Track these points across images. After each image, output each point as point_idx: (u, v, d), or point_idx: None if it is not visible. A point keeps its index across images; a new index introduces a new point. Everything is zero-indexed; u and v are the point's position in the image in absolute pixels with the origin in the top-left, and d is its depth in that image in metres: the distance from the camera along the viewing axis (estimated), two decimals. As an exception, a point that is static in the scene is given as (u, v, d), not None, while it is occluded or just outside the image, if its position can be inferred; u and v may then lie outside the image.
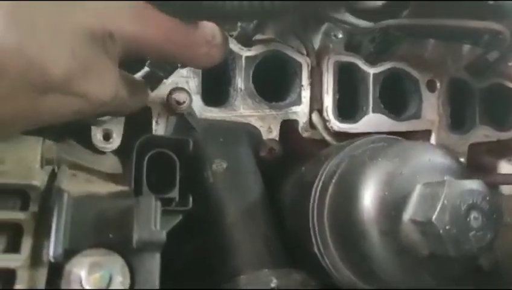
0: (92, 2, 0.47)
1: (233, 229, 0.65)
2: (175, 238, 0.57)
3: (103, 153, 0.67)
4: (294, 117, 0.77)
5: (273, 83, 0.79)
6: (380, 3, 0.71)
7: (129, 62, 0.54)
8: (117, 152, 0.67)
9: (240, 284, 0.61)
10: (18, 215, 0.51)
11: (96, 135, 0.67)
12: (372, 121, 0.79)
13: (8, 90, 0.44)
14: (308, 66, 0.78)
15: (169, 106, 0.69)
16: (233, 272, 0.62)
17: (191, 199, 0.62)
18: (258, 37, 0.77)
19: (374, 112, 0.79)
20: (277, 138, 0.76)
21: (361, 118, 0.79)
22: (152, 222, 0.51)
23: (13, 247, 0.50)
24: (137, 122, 0.68)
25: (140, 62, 0.61)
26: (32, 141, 0.53)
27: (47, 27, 0.45)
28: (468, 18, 0.73)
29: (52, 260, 0.48)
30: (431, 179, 0.56)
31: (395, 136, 0.69)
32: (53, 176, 0.54)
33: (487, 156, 0.86)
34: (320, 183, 0.64)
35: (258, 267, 0.61)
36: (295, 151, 0.78)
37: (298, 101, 0.78)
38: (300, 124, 0.78)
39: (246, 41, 0.76)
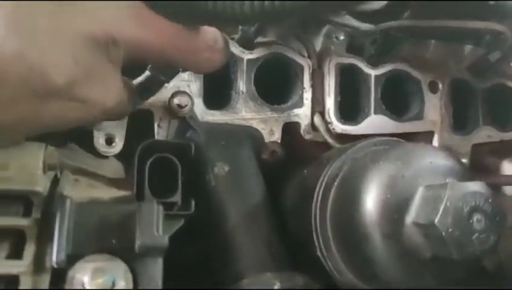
0: (94, 7, 0.47)
1: (236, 232, 0.65)
2: (177, 241, 0.57)
3: (105, 157, 0.67)
4: (296, 119, 0.77)
5: (274, 85, 0.79)
6: (382, 3, 0.71)
7: (128, 67, 0.54)
8: (119, 156, 0.67)
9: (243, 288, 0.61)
10: (21, 222, 0.51)
11: (99, 139, 0.67)
12: (374, 122, 0.79)
13: (9, 96, 0.44)
14: (309, 68, 0.78)
15: (171, 110, 0.70)
16: (236, 275, 0.62)
17: (193, 203, 0.62)
18: (260, 39, 0.77)
19: (375, 113, 0.79)
20: (279, 141, 0.76)
21: (363, 120, 0.79)
22: (154, 227, 0.51)
23: (16, 253, 0.50)
24: (139, 127, 0.69)
25: (139, 67, 0.61)
26: (35, 147, 0.53)
27: (48, 33, 0.45)
28: (469, 19, 0.73)
29: (55, 265, 0.49)
30: (433, 182, 0.55)
31: (397, 139, 0.69)
32: (55, 181, 0.55)
33: (490, 156, 0.85)
34: (323, 186, 0.64)
35: (260, 271, 0.61)
36: (297, 153, 0.78)
37: (300, 104, 0.78)
38: (302, 127, 0.78)
39: (247, 44, 0.76)
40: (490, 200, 0.53)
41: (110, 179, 0.62)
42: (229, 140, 0.72)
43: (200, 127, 0.71)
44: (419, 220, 0.54)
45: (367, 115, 0.79)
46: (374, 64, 0.80)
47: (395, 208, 0.55)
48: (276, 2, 0.46)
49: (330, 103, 0.78)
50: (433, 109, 0.82)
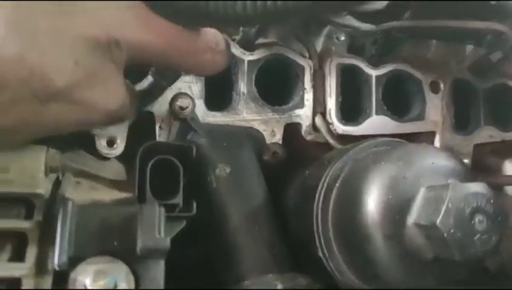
0: (95, 8, 0.47)
1: (237, 234, 0.65)
2: (178, 243, 0.57)
3: (107, 159, 0.67)
4: (297, 120, 0.77)
5: (275, 86, 0.79)
6: (383, 4, 0.71)
7: (131, 72, 0.54)
8: (121, 158, 0.67)
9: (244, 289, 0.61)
10: (23, 224, 0.51)
11: (100, 141, 0.67)
12: (376, 123, 0.79)
13: (10, 98, 0.43)
14: (310, 69, 0.78)
15: (173, 111, 0.70)
16: (238, 277, 0.62)
17: (194, 204, 0.62)
18: (260, 41, 0.78)
19: (377, 114, 0.79)
20: (280, 142, 0.76)
21: (364, 121, 0.79)
22: (156, 229, 0.51)
23: (18, 255, 0.50)
24: (140, 128, 0.69)
25: (141, 73, 0.61)
26: (37, 149, 0.53)
27: (49, 34, 0.44)
28: (470, 19, 0.73)
29: (57, 268, 0.49)
30: (435, 182, 0.55)
31: (398, 139, 0.69)
32: (57, 184, 0.55)
33: (492, 156, 0.85)
34: (324, 187, 0.64)
35: (262, 272, 0.62)
36: (299, 154, 0.78)
37: (301, 104, 0.77)
38: (304, 127, 0.78)
39: (248, 45, 0.76)
40: (492, 201, 0.53)
41: (112, 181, 0.62)
42: (231, 141, 0.72)
43: (201, 129, 0.71)
44: (421, 221, 0.54)
45: (368, 116, 0.79)
46: (375, 65, 0.80)
47: (396, 209, 0.55)
48: (279, 2, 0.46)
49: (331, 103, 0.77)
50: (435, 109, 0.82)
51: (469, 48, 0.85)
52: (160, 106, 0.70)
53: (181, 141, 0.70)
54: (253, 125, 0.75)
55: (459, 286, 0.59)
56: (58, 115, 0.48)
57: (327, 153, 0.72)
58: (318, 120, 0.77)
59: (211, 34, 0.54)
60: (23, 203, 0.52)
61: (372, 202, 0.57)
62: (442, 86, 0.83)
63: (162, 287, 0.52)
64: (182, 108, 0.69)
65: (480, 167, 0.84)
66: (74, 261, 0.49)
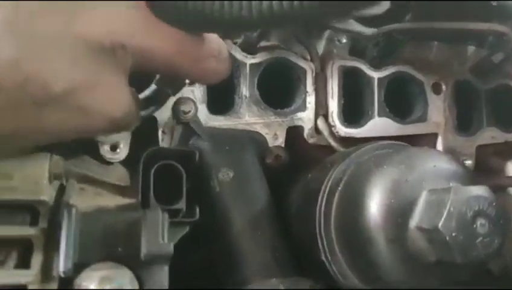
0: (99, 11, 0.45)
1: (240, 238, 0.65)
2: (182, 248, 0.58)
3: (111, 163, 0.67)
4: (299, 123, 0.77)
5: (277, 89, 0.79)
6: (384, 8, 0.71)
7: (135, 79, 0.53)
8: (124, 162, 0.68)
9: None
10: (28, 231, 0.51)
11: (104, 146, 0.67)
12: (378, 125, 0.79)
13: (6, 103, 0.42)
14: (312, 71, 0.78)
15: (175, 116, 0.70)
16: (241, 281, 0.62)
17: (198, 209, 0.62)
18: (262, 44, 0.78)
19: (379, 116, 0.79)
20: (283, 145, 0.76)
21: (366, 123, 0.79)
22: (160, 235, 0.51)
23: (23, 262, 0.51)
24: (143, 133, 0.69)
25: (146, 81, 0.61)
26: (40, 156, 0.53)
27: (47, 38, 0.43)
28: (472, 20, 0.73)
29: (62, 274, 0.49)
30: (437, 186, 0.56)
31: (400, 142, 0.69)
32: (61, 190, 0.55)
33: (495, 157, 0.85)
34: (327, 191, 0.64)
35: (265, 276, 0.62)
36: (301, 157, 0.79)
37: (303, 107, 0.78)
38: (306, 130, 0.78)
39: (250, 48, 0.76)
40: (494, 204, 0.53)
41: (116, 186, 0.62)
42: (233, 145, 0.72)
43: (204, 133, 0.71)
44: (423, 225, 0.54)
45: (370, 118, 0.79)
46: (376, 67, 0.80)
47: (399, 212, 0.56)
48: (285, 2, 0.45)
49: (333, 106, 0.78)
50: (437, 110, 0.82)
51: (471, 49, 0.85)
52: (163, 111, 0.70)
53: (184, 145, 0.70)
54: (255, 128, 0.75)
55: (461, 287, 0.59)
56: (59, 121, 0.46)
57: (329, 156, 0.72)
58: (320, 123, 0.77)
59: (215, 42, 0.53)
60: (28, 210, 0.52)
61: (375, 205, 0.57)
62: (444, 87, 0.83)
63: (166, 292, 0.52)
64: (184, 112, 0.69)
65: (483, 168, 0.83)
66: (79, 267, 0.50)
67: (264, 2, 0.46)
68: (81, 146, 0.65)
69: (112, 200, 0.58)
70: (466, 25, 0.74)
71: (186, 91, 0.72)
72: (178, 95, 0.70)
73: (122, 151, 0.67)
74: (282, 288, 0.60)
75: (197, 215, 0.62)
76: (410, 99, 0.84)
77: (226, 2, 0.46)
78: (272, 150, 0.76)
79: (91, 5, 0.45)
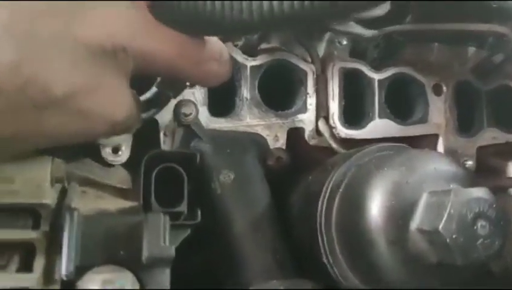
0: (101, 14, 0.45)
1: (241, 240, 0.65)
2: (183, 250, 0.58)
3: (112, 166, 0.68)
4: (300, 125, 0.77)
5: (278, 91, 0.79)
6: (385, 9, 0.71)
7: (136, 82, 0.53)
8: (126, 165, 0.68)
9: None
10: (30, 235, 0.52)
11: (105, 148, 0.67)
12: (379, 126, 0.79)
13: (6, 107, 0.42)
14: (313, 73, 0.78)
15: (176, 118, 0.70)
16: (242, 283, 0.62)
17: (199, 212, 0.63)
18: (263, 46, 0.78)
19: (380, 117, 0.79)
20: (284, 147, 0.76)
21: (367, 124, 0.79)
22: (161, 238, 0.52)
23: (26, 266, 0.51)
24: (145, 135, 0.69)
25: (146, 83, 0.61)
26: (42, 160, 0.54)
27: (47, 41, 0.42)
28: (472, 21, 0.73)
29: (64, 277, 0.50)
30: (437, 188, 0.56)
31: (401, 144, 0.69)
32: (63, 193, 0.55)
33: (496, 158, 0.85)
34: (327, 193, 0.64)
35: (266, 278, 0.62)
36: (302, 159, 0.79)
37: (304, 109, 0.78)
38: (307, 132, 0.78)
39: (251, 51, 0.76)
40: (494, 206, 0.53)
41: (117, 189, 0.63)
42: (234, 147, 0.72)
43: (205, 135, 0.71)
44: (424, 227, 0.54)
45: (371, 119, 0.79)
46: (377, 68, 0.80)
47: (399, 214, 0.56)
48: (285, 4, 0.45)
49: (334, 107, 0.78)
50: (438, 111, 0.82)
51: (471, 50, 0.85)
52: (164, 113, 0.70)
53: (185, 148, 0.70)
54: (256, 130, 0.75)
55: (462, 286, 0.59)
56: (59, 125, 0.46)
57: (330, 158, 0.72)
58: (321, 124, 0.77)
59: (215, 44, 0.53)
60: (30, 213, 0.53)
61: (375, 207, 0.57)
62: (444, 88, 0.83)
63: (168, 294, 0.52)
64: (185, 115, 0.70)
65: (484, 169, 0.83)
66: (81, 270, 0.50)
67: (264, 4, 0.46)
68: (83, 149, 0.65)
69: (114, 203, 0.58)
70: (466, 26, 0.74)
71: (187, 94, 0.72)
72: (179, 98, 0.70)
73: (124, 154, 0.67)
74: (283, 289, 0.61)
75: (199, 218, 0.63)
76: (410, 100, 0.84)
77: (226, 5, 0.46)
78: (273, 152, 0.76)
79: (92, 7, 0.45)
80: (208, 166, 0.70)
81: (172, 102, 0.69)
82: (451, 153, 0.80)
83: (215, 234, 0.67)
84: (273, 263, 0.64)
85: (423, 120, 0.82)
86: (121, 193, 0.62)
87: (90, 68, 0.45)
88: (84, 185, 0.60)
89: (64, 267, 0.49)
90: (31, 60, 0.42)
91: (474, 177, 0.64)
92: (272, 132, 0.76)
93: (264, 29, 0.66)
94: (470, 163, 0.82)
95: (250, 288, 0.61)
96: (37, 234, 0.52)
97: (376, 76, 0.80)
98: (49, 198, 0.53)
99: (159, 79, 0.61)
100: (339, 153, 0.76)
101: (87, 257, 0.51)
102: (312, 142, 0.78)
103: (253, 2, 0.46)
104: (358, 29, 0.72)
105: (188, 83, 0.62)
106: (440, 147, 0.82)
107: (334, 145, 0.77)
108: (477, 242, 0.52)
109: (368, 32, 0.72)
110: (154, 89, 0.60)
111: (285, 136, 0.77)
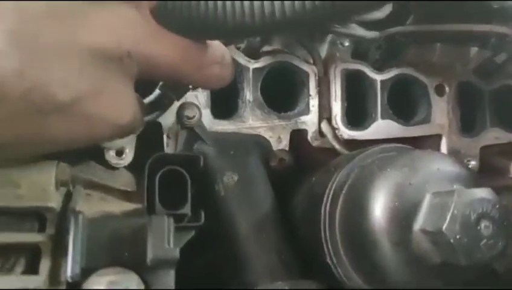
0: (105, 19, 0.45)
1: (246, 241, 0.65)
2: (187, 252, 0.58)
3: (116, 169, 0.68)
4: (303, 126, 0.78)
5: (281, 93, 0.79)
6: (386, 11, 0.71)
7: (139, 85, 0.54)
8: (130, 167, 0.68)
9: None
10: (36, 238, 0.52)
11: (109, 151, 0.68)
12: (382, 127, 0.79)
13: (11, 113, 0.42)
14: (315, 75, 0.78)
15: (180, 121, 0.70)
16: (247, 284, 0.63)
17: (203, 214, 0.63)
18: (265, 48, 0.78)
19: (383, 118, 0.79)
20: (287, 148, 0.77)
21: (370, 125, 0.79)
22: (165, 240, 0.52)
23: (32, 268, 0.51)
24: (148, 138, 0.70)
25: (150, 86, 0.61)
26: (47, 164, 0.54)
27: (52, 48, 0.43)
28: (473, 22, 0.73)
29: (69, 279, 0.50)
30: (440, 188, 0.56)
31: (404, 145, 0.69)
32: (68, 196, 0.56)
33: (499, 157, 0.85)
34: (331, 194, 0.64)
35: (271, 279, 0.62)
36: (305, 160, 0.79)
37: (307, 111, 0.78)
38: (310, 133, 0.78)
39: (253, 53, 0.77)
40: (497, 206, 0.53)
41: (122, 191, 0.63)
42: (237, 149, 0.73)
43: (208, 137, 0.71)
44: (427, 227, 0.54)
45: (374, 120, 0.79)
46: (379, 69, 0.80)
47: (403, 215, 0.56)
48: (287, 8, 0.46)
49: (337, 109, 0.78)
50: (441, 112, 0.82)
51: (474, 50, 0.85)
52: (167, 116, 0.71)
53: (188, 150, 0.71)
54: (259, 132, 0.76)
55: (466, 286, 0.59)
56: (64, 130, 0.46)
57: (333, 160, 0.72)
58: (324, 126, 0.78)
59: (218, 48, 0.54)
60: (36, 217, 0.53)
61: (379, 208, 0.57)
62: (447, 89, 0.83)
63: (173, 296, 0.52)
64: (188, 117, 0.70)
65: (488, 168, 0.84)
66: (86, 272, 0.50)
67: (266, 9, 0.46)
68: (87, 152, 0.66)
69: (118, 206, 0.58)
70: (468, 26, 0.74)
71: (190, 96, 0.72)
72: (182, 101, 0.70)
73: (128, 157, 0.68)
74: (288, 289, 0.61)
75: (202, 220, 0.63)
76: (413, 101, 0.84)
77: (229, 9, 0.46)
78: (276, 153, 0.76)
79: (96, 14, 0.45)
80: (211, 168, 0.70)
81: (176, 105, 0.70)
82: (455, 154, 0.80)
83: (219, 236, 0.68)
84: (278, 264, 0.64)
85: (426, 121, 0.82)
86: (125, 195, 0.62)
87: (95, 73, 0.45)
88: (89, 188, 0.60)
89: (69, 269, 0.49)
90: (35, 67, 0.42)
91: (477, 178, 0.64)
92: (275, 133, 0.77)
93: (266, 32, 0.66)
94: (473, 163, 0.83)
95: (256, 289, 0.62)
96: (43, 237, 0.52)
97: (378, 77, 0.80)
98: (55, 201, 0.53)
99: (161, 82, 0.62)
100: (342, 154, 0.76)
101: (92, 259, 0.51)
102: (315, 143, 0.78)
103: (255, 5, 0.46)
104: (360, 30, 0.72)
105: (190, 86, 0.62)
106: (443, 148, 0.82)
107: (337, 146, 0.77)
108: (481, 243, 0.52)
109: (369, 34, 0.72)
110: (157, 92, 0.61)
111: (288, 138, 0.77)
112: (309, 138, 0.78)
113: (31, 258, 0.52)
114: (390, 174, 0.58)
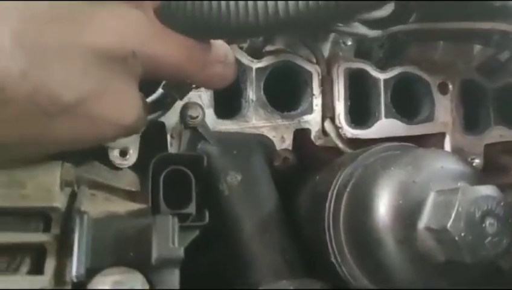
0: (109, 20, 0.45)
1: (250, 241, 0.65)
2: (192, 251, 0.58)
3: (120, 169, 0.68)
4: (306, 126, 0.78)
5: (284, 92, 0.79)
6: (389, 10, 0.71)
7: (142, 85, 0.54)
8: (134, 167, 0.68)
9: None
10: (41, 238, 0.52)
11: (113, 151, 0.68)
12: (385, 126, 0.79)
13: (16, 114, 0.42)
14: (318, 74, 0.78)
15: (183, 121, 0.71)
16: (251, 284, 0.63)
17: (207, 213, 0.63)
18: (268, 48, 0.78)
19: (386, 117, 0.79)
20: (290, 148, 0.77)
21: (373, 124, 0.79)
22: (170, 240, 0.52)
23: (37, 268, 0.52)
24: (152, 138, 0.70)
25: (153, 85, 0.61)
26: (52, 164, 0.54)
27: (56, 49, 0.43)
28: (475, 20, 0.73)
29: (75, 279, 0.50)
30: (444, 186, 0.56)
31: (407, 144, 0.69)
32: (73, 196, 0.56)
33: (503, 155, 0.85)
34: (335, 193, 0.64)
35: (275, 279, 0.62)
36: (309, 159, 0.79)
37: (310, 110, 0.78)
38: (313, 133, 0.78)
39: (256, 53, 0.77)
40: (502, 204, 0.53)
41: (126, 191, 0.63)
42: (241, 149, 0.73)
43: (211, 137, 0.71)
44: (432, 225, 0.54)
45: (377, 119, 0.79)
46: (382, 68, 0.80)
47: (407, 214, 0.56)
48: (291, 8, 0.46)
49: (340, 108, 0.78)
50: (444, 110, 0.82)
51: (477, 48, 0.84)
52: (171, 116, 0.71)
53: (192, 150, 0.71)
54: (262, 132, 0.76)
55: (470, 287, 0.59)
56: (69, 131, 0.47)
57: (337, 159, 0.72)
58: (327, 125, 0.78)
59: (221, 47, 0.54)
60: (41, 217, 0.53)
61: (383, 206, 0.57)
62: (450, 87, 0.83)
63: (177, 295, 0.53)
64: (192, 117, 0.70)
65: (492, 166, 0.83)
66: (91, 272, 0.51)
67: (269, 8, 0.46)
68: (91, 152, 0.66)
69: (123, 206, 0.58)
70: (471, 24, 0.74)
71: (194, 96, 0.72)
72: (185, 100, 0.71)
73: (132, 157, 0.68)
74: (292, 289, 0.61)
75: (207, 219, 0.63)
76: (416, 99, 0.84)
77: (232, 9, 0.46)
78: (280, 153, 0.76)
79: (100, 14, 0.45)
80: (215, 168, 0.70)
81: (179, 105, 0.70)
82: (458, 152, 0.80)
83: (223, 235, 0.68)
84: (282, 263, 0.64)
85: (429, 119, 0.82)
86: (129, 195, 0.63)
87: (99, 74, 0.46)
88: (93, 188, 0.60)
89: (74, 269, 0.50)
90: (40, 69, 0.42)
91: (481, 175, 0.63)
92: (278, 133, 0.77)
93: (269, 32, 0.66)
94: (477, 161, 0.82)
95: (260, 288, 0.62)
96: (48, 237, 0.52)
97: (381, 76, 0.80)
98: (60, 202, 0.53)
99: (164, 81, 0.62)
100: (345, 153, 0.76)
101: (97, 259, 0.51)
102: (318, 142, 0.78)
103: (259, 5, 0.46)
104: (362, 29, 0.72)
105: (193, 85, 0.63)
106: (447, 146, 0.82)
107: (340, 145, 0.77)
108: (486, 240, 0.52)
109: (372, 33, 0.72)
110: (160, 91, 0.61)
111: (291, 137, 0.77)
112: (312, 137, 0.78)
113: (36, 258, 0.52)
114: (394, 173, 0.58)
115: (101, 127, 0.49)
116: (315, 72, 0.78)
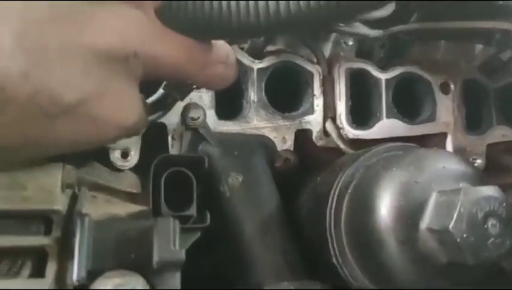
0: (110, 20, 0.45)
1: (251, 242, 0.65)
2: (193, 253, 0.58)
3: (121, 170, 0.68)
4: (308, 126, 0.78)
5: (285, 93, 0.79)
6: (390, 9, 0.71)
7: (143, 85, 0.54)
8: (135, 169, 0.68)
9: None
10: (42, 241, 0.52)
11: (114, 153, 0.68)
12: (387, 126, 0.79)
13: (17, 115, 0.42)
14: (319, 74, 0.78)
15: (184, 122, 0.70)
16: (252, 285, 0.63)
17: (208, 215, 0.63)
18: (269, 48, 0.78)
19: (387, 117, 0.79)
20: (291, 148, 0.77)
21: (375, 124, 0.79)
22: (171, 242, 0.52)
23: (38, 271, 0.51)
24: (153, 139, 0.70)
25: (154, 85, 0.61)
26: (53, 166, 0.54)
27: (57, 49, 0.43)
28: (477, 19, 0.73)
29: (76, 282, 0.50)
30: (446, 187, 0.56)
31: (409, 144, 0.69)
32: (74, 199, 0.56)
33: (506, 155, 0.85)
34: (336, 194, 0.64)
35: (277, 280, 0.62)
36: (310, 160, 0.79)
37: (311, 110, 0.78)
38: (314, 133, 0.78)
39: (257, 53, 0.77)
40: (504, 204, 0.53)
41: (127, 193, 0.63)
42: (242, 150, 0.73)
43: (212, 138, 0.71)
44: (434, 226, 0.54)
45: (379, 119, 0.79)
46: (384, 68, 0.80)
47: (409, 214, 0.56)
48: (292, 8, 0.46)
49: (341, 108, 0.78)
50: (446, 110, 0.82)
51: (478, 47, 0.84)
52: (172, 117, 0.71)
53: (193, 151, 0.71)
54: (263, 132, 0.76)
55: (472, 288, 0.59)
56: (70, 132, 0.46)
57: (338, 159, 0.72)
58: (329, 125, 0.77)
59: (222, 48, 0.54)
60: (42, 219, 0.53)
61: (385, 207, 0.57)
62: (452, 86, 0.82)
63: (179, 298, 0.52)
64: (193, 119, 0.70)
65: (494, 166, 0.83)
66: (93, 275, 0.50)
67: (271, 8, 0.46)
68: (92, 154, 0.66)
69: (124, 208, 0.58)
70: (472, 23, 0.73)
71: (195, 97, 0.72)
72: (186, 101, 0.71)
73: (133, 158, 0.68)
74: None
75: (208, 221, 0.63)
76: (418, 99, 0.84)
77: (233, 9, 0.46)
78: (281, 153, 0.76)
79: (101, 14, 0.45)
80: (216, 169, 0.70)
81: (180, 106, 0.70)
82: (460, 152, 0.80)
83: (224, 237, 0.68)
84: (284, 265, 0.64)
85: (431, 119, 0.81)
86: (130, 197, 0.62)
87: (100, 74, 0.46)
88: (94, 190, 0.60)
89: (75, 272, 0.49)
90: (40, 69, 0.42)
91: (483, 176, 0.63)
92: (279, 133, 0.76)
93: (271, 32, 0.66)
94: (479, 161, 0.82)
95: (262, 289, 0.62)
96: (49, 240, 0.52)
97: (383, 76, 0.79)
98: (60, 204, 0.53)
99: (165, 82, 0.62)
100: (347, 153, 0.76)
101: (98, 262, 0.51)
102: (320, 143, 0.78)
103: (260, 5, 0.46)
104: (363, 29, 0.72)
105: (194, 86, 0.62)
106: (449, 146, 0.81)
107: (341, 145, 0.77)
108: (488, 241, 0.52)
109: (373, 33, 0.72)
110: (161, 92, 0.61)
111: (292, 138, 0.77)
112: (314, 137, 0.78)
113: (37, 261, 0.52)
114: (395, 173, 0.58)
115: (102, 128, 0.49)
116: (316, 72, 0.78)
